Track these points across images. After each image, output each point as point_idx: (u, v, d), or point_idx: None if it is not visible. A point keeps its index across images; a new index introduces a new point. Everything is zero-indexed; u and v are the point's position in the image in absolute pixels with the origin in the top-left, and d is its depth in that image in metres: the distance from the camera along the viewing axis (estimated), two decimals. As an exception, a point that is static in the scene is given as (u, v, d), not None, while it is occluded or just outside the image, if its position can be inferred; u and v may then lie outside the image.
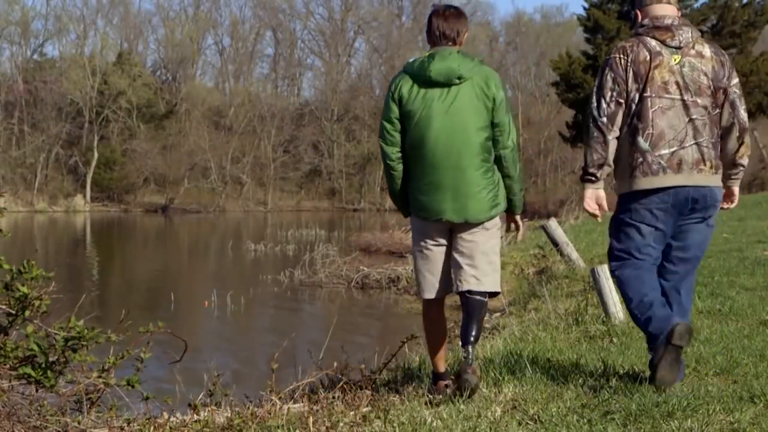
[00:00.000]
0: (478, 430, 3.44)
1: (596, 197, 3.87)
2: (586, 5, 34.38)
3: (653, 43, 3.72)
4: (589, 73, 32.68)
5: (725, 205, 4.02)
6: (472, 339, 3.88)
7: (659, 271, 3.88)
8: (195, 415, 3.81)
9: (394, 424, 3.53)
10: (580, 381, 4.10)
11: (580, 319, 6.00)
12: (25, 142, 57.89)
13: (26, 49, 63.14)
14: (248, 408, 3.89)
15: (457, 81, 3.85)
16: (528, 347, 5.09)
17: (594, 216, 3.90)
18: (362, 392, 4.11)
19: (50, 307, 3.88)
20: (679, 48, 3.73)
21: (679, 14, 3.83)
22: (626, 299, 3.88)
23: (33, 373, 3.70)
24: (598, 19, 33.14)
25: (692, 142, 3.72)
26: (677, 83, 3.70)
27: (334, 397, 4.07)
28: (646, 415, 3.43)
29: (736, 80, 3.84)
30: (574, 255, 10.31)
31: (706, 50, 3.78)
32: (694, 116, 3.72)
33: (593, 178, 3.82)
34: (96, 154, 58.07)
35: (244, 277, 17.00)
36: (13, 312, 3.76)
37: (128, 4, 67.31)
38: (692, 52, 3.74)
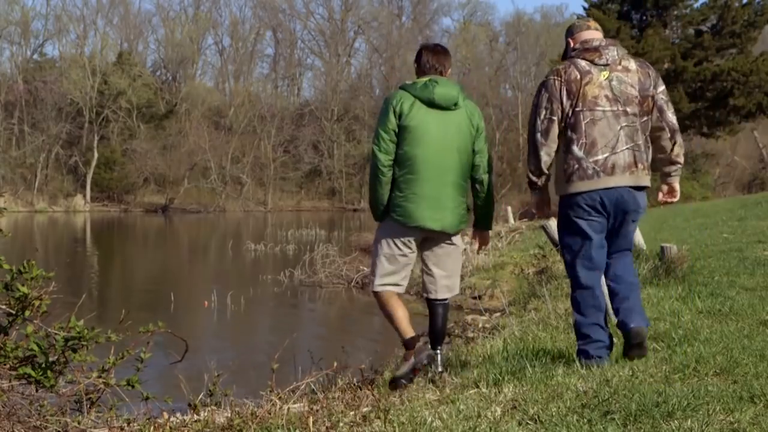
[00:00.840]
0: (478, 430, 3.44)
1: (541, 201, 4.48)
2: (586, 5, 34.41)
3: (583, 63, 4.19)
4: (589, 73, 32.71)
5: (668, 199, 4.42)
6: (442, 340, 4.57)
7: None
8: (195, 415, 3.81)
9: (394, 424, 3.53)
10: (580, 381, 4.10)
11: (580, 319, 5.99)
12: (25, 142, 57.90)
13: (26, 49, 63.25)
14: (248, 408, 3.90)
15: (454, 107, 4.41)
16: (528, 347, 5.09)
17: (545, 218, 4.32)
18: (362, 392, 4.11)
19: (50, 307, 3.88)
20: (606, 65, 4.19)
21: (604, 37, 4.36)
22: (582, 296, 4.31)
23: (33, 373, 3.70)
24: (598, 19, 33.11)
25: (624, 148, 4.13)
26: (606, 96, 4.14)
27: (334, 397, 4.07)
28: (646, 415, 3.43)
29: (662, 87, 4.27)
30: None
31: (632, 65, 4.25)
32: (624, 124, 4.15)
33: (535, 186, 4.38)
34: (96, 154, 58.08)
35: (244, 277, 17.01)
36: (13, 312, 3.76)
37: (128, 4, 67.42)
38: (619, 67, 4.21)
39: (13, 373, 3.70)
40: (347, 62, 71.61)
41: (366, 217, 49.00)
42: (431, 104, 4.35)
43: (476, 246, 4.91)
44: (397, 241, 4.47)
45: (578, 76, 4.16)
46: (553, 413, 3.57)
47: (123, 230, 39.82)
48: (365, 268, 14.84)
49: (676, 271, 7.84)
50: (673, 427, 3.28)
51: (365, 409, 3.81)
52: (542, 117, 4.19)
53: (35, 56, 63.56)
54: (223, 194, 60.82)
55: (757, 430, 3.27)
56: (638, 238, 10.45)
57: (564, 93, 4.16)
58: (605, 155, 4.12)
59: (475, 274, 13.34)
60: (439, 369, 4.45)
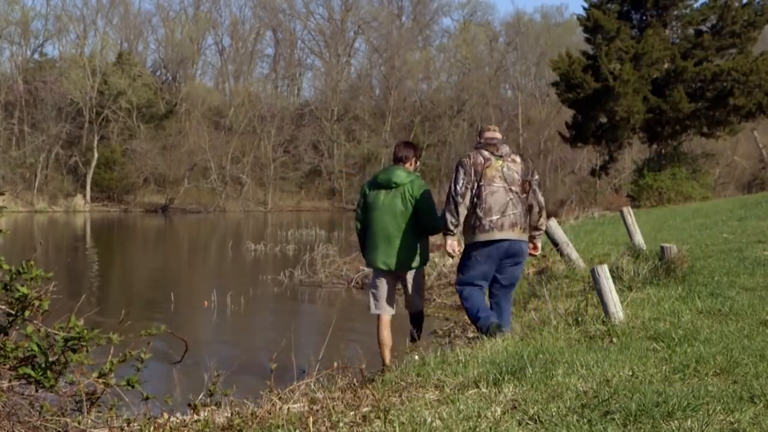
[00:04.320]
0: (478, 430, 3.44)
1: (453, 243, 6.16)
2: (586, 5, 34.35)
3: (486, 153, 6.05)
4: (589, 73, 32.67)
5: (533, 252, 6.27)
6: (417, 333, 6.76)
7: (489, 293, 6.19)
8: (195, 415, 3.81)
9: (394, 424, 3.53)
10: (580, 381, 4.10)
11: (580, 319, 6.00)
12: (25, 142, 57.90)
13: (26, 49, 63.27)
14: (248, 408, 3.89)
15: (394, 185, 6.37)
16: (528, 347, 5.09)
17: (450, 255, 6.26)
18: (362, 392, 4.11)
19: (51, 306, 3.88)
20: (501, 156, 6.04)
21: (500, 137, 6.16)
22: (467, 307, 6.10)
23: (33, 374, 3.70)
24: (598, 19, 33.11)
25: (510, 213, 5.93)
26: (500, 177, 5.96)
27: (334, 397, 4.07)
28: (646, 415, 3.43)
29: (536, 177, 6.13)
30: (574, 255, 10.31)
31: (518, 158, 6.10)
32: (510, 197, 5.95)
33: (451, 233, 6.08)
34: (96, 154, 58.08)
35: (244, 277, 17.00)
36: (13, 312, 3.76)
37: (128, 4, 67.42)
38: (509, 159, 6.06)
39: (13, 373, 3.70)
40: (347, 62, 71.62)
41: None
42: (378, 186, 6.46)
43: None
44: (375, 277, 6.67)
45: (482, 161, 5.98)
46: (553, 413, 3.57)
47: (123, 230, 39.82)
48: (365, 268, 14.84)
49: (676, 271, 7.83)
50: (673, 427, 3.28)
51: (365, 409, 3.81)
52: (460, 185, 5.96)
53: (35, 56, 63.61)
54: (223, 194, 60.82)
55: (757, 430, 3.27)
56: (638, 238, 10.45)
57: (473, 171, 5.95)
58: (497, 217, 5.90)
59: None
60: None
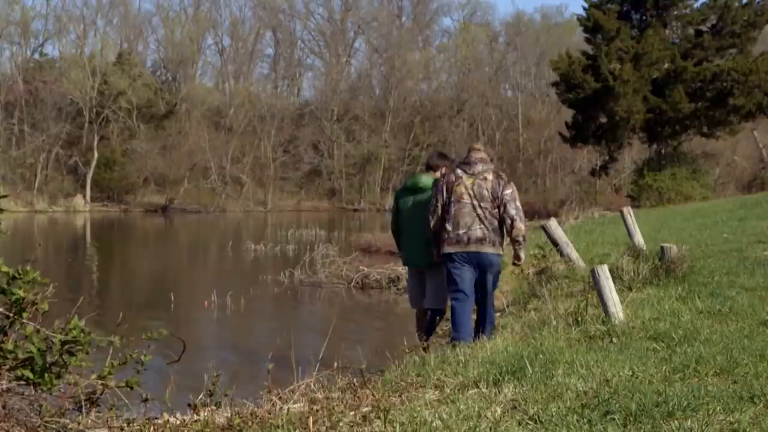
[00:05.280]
0: (478, 430, 3.44)
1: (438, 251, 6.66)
2: (586, 5, 34.35)
3: (459, 171, 6.51)
4: (589, 73, 32.67)
5: (516, 262, 6.73)
6: (429, 331, 6.99)
7: (475, 299, 6.55)
8: (195, 415, 3.81)
9: (394, 424, 3.53)
10: (580, 381, 4.10)
11: (580, 319, 6.00)
12: (25, 142, 57.86)
13: (26, 49, 63.23)
14: (248, 408, 3.89)
15: (418, 190, 6.92)
16: (528, 347, 5.09)
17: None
18: (362, 392, 4.11)
19: (50, 307, 3.87)
20: (473, 174, 6.44)
21: (483, 156, 6.60)
22: (455, 317, 6.44)
23: (31, 376, 3.69)
24: (598, 19, 33.11)
25: (477, 227, 6.37)
26: (470, 194, 6.40)
27: (334, 397, 4.07)
28: (646, 415, 3.43)
29: (508, 191, 6.44)
30: (574, 255, 10.30)
31: (490, 176, 6.46)
32: (479, 213, 6.38)
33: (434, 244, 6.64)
34: (96, 154, 58.05)
35: (244, 277, 17.00)
36: (10, 315, 3.75)
37: (128, 4, 67.32)
38: (481, 177, 6.44)
39: (12, 374, 3.69)
40: (347, 62, 71.58)
41: (366, 218, 48.99)
42: (407, 190, 7.06)
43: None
44: (410, 274, 7.24)
45: (453, 179, 6.47)
46: (553, 413, 3.57)
47: (123, 230, 39.81)
48: (365, 268, 14.83)
49: (676, 271, 7.83)
50: (673, 427, 3.28)
51: (365, 409, 3.81)
52: (435, 202, 6.53)
53: (35, 56, 63.57)
54: (223, 194, 60.80)
55: (757, 430, 3.27)
56: (638, 238, 10.45)
57: (444, 189, 6.47)
58: (464, 231, 6.37)
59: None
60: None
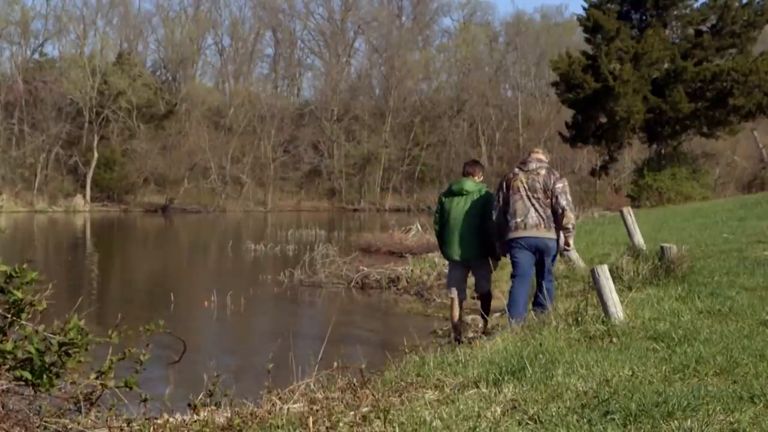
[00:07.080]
0: (478, 430, 3.44)
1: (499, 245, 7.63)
2: (586, 5, 34.34)
3: (516, 169, 7.48)
4: (589, 73, 32.66)
5: (567, 248, 7.44)
6: (486, 312, 8.00)
7: (537, 275, 7.39)
8: (195, 415, 3.80)
9: (394, 424, 3.53)
10: (580, 381, 4.10)
11: (580, 319, 6.00)
12: (25, 142, 57.86)
13: (26, 49, 63.23)
14: (248, 408, 3.89)
15: (465, 193, 7.87)
16: (528, 347, 5.08)
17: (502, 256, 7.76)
18: (362, 392, 4.11)
19: (50, 306, 3.87)
20: (528, 171, 7.37)
21: (541, 157, 7.50)
22: (511, 297, 7.21)
23: (29, 376, 3.69)
24: (597, 19, 33.10)
25: (532, 215, 7.23)
26: (524, 187, 7.30)
27: (334, 397, 4.07)
28: (646, 415, 3.43)
29: (559, 184, 7.27)
30: (574, 255, 10.31)
31: (543, 171, 7.34)
32: (533, 202, 7.25)
33: (495, 236, 7.62)
34: (96, 154, 58.05)
35: (244, 277, 17.00)
36: (8, 316, 3.75)
37: (128, 4, 67.34)
38: (535, 173, 7.33)
39: (11, 374, 3.69)
40: (347, 62, 71.58)
41: (366, 218, 48.99)
42: (453, 193, 7.95)
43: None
44: (451, 267, 8.14)
45: (511, 176, 7.45)
46: (553, 413, 3.57)
47: (123, 230, 39.81)
48: (365, 268, 14.84)
49: (676, 271, 7.83)
50: (673, 427, 3.28)
51: (365, 409, 3.81)
52: (495, 199, 7.51)
53: (35, 56, 63.57)
54: (223, 194, 60.80)
55: (757, 430, 3.27)
56: (638, 238, 10.45)
57: (504, 185, 7.42)
58: (521, 219, 7.25)
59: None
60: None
